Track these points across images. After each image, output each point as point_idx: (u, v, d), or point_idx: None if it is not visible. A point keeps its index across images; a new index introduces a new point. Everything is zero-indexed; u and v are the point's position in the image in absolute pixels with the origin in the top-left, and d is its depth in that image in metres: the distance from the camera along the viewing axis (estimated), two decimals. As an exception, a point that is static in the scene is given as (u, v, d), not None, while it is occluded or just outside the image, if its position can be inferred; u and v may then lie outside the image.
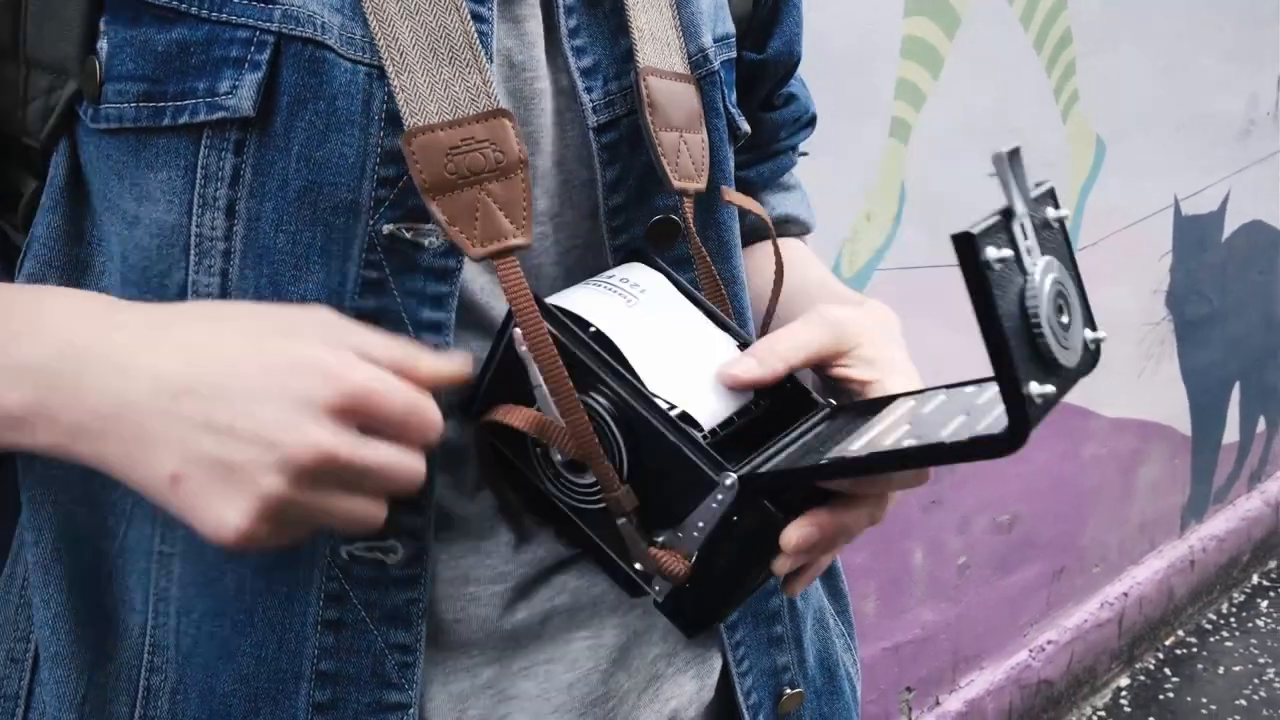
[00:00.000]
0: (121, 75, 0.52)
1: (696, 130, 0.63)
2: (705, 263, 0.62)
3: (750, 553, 0.57)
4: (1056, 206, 0.50)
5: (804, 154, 0.87)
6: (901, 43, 1.66)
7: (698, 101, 0.64)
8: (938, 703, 2.07)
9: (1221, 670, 2.47)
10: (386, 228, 0.54)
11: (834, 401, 0.61)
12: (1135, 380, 2.32)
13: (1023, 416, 0.46)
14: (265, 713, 0.57)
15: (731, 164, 0.67)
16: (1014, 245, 0.47)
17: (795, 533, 0.55)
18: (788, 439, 0.58)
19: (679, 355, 0.59)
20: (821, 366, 0.61)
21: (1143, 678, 2.46)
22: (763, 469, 0.55)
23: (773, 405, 0.60)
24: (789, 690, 0.71)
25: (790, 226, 0.83)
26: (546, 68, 0.60)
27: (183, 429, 0.47)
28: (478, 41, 0.54)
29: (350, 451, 0.48)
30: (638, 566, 0.57)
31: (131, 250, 0.55)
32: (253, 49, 0.52)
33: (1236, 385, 2.65)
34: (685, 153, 0.62)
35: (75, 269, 0.57)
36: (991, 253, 0.45)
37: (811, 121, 0.85)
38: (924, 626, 2.00)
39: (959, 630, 2.07)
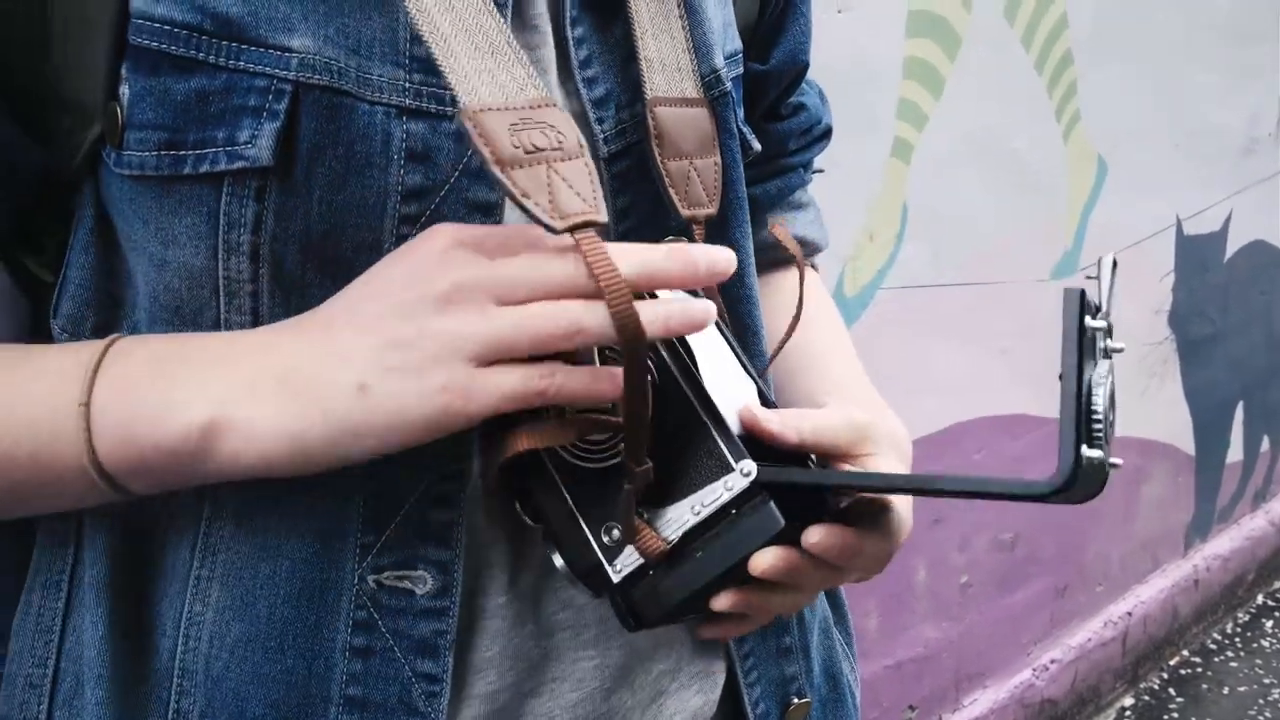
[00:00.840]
0: (142, 124, 0.53)
1: (709, 154, 0.63)
2: (713, 289, 0.63)
3: (726, 558, 0.56)
4: (1112, 338, 0.52)
5: (819, 170, 0.86)
6: (903, 64, 1.67)
7: (711, 125, 0.64)
8: (941, 721, 2.07)
9: (1226, 690, 2.46)
10: None
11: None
12: (1138, 399, 2.32)
13: (1076, 468, 0.48)
14: None
15: (743, 184, 0.67)
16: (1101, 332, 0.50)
17: (771, 556, 0.55)
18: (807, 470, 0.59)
19: (718, 372, 0.59)
20: (829, 458, 0.62)
21: (1147, 697, 2.45)
22: (781, 478, 0.55)
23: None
24: (796, 700, 0.71)
25: (801, 248, 0.82)
26: (560, 92, 0.60)
27: (363, 339, 0.51)
28: (514, 40, 0.54)
29: (482, 271, 0.51)
30: (606, 540, 0.56)
31: (161, 291, 0.55)
32: (270, 98, 0.52)
33: (1240, 405, 2.65)
34: (695, 179, 0.62)
35: (113, 305, 0.57)
36: (1088, 320, 0.49)
37: (826, 134, 0.84)
38: (927, 644, 1.99)
39: (962, 648, 2.06)
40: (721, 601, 0.57)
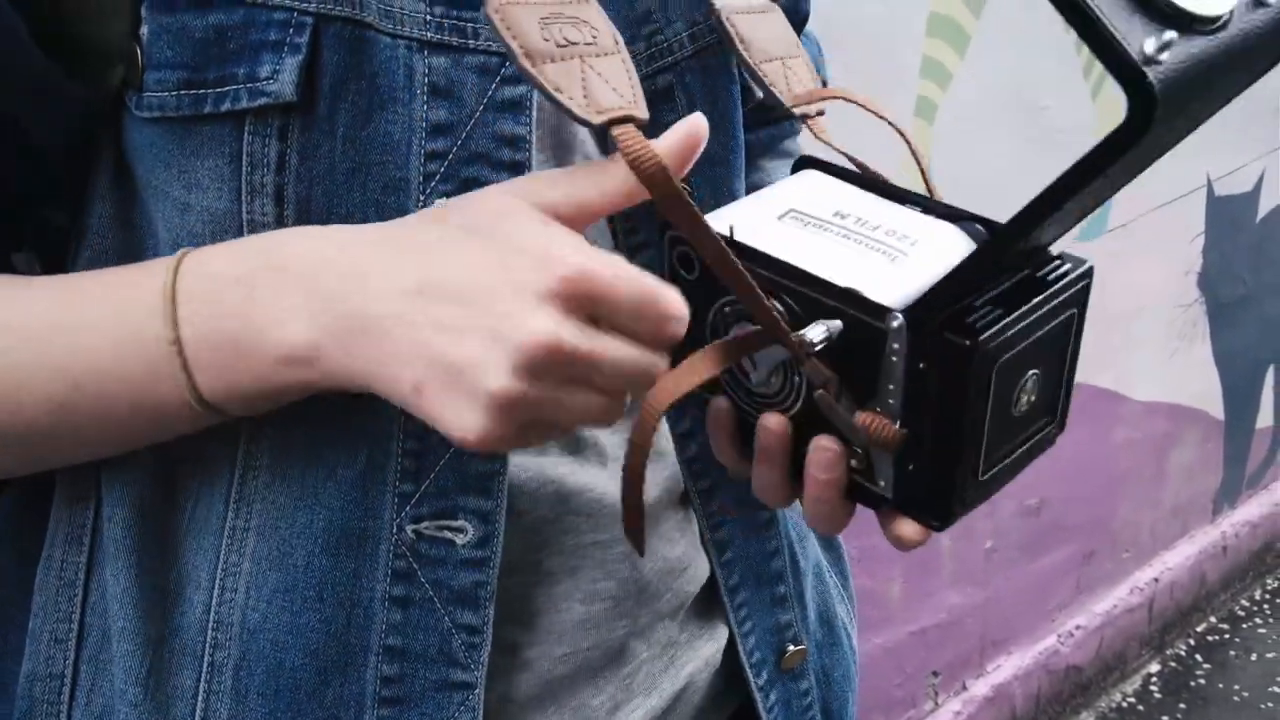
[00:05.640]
0: (161, 63, 0.52)
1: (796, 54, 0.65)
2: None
3: (961, 404, 0.49)
4: None
5: (820, 113, 0.85)
6: (927, 21, 1.64)
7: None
8: (964, 687, 2.06)
9: (1254, 657, 2.44)
10: (438, 202, 0.53)
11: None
12: (1167, 363, 2.29)
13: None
14: (335, 685, 0.57)
15: (742, 127, 0.66)
16: None
17: None
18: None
19: (839, 245, 0.54)
20: None
21: (1173, 664, 2.44)
22: (926, 296, 0.48)
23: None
24: (792, 647, 0.72)
25: None
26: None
27: (419, 334, 0.47)
28: None
29: (574, 341, 0.46)
30: (854, 464, 0.53)
31: (185, 237, 0.54)
32: (291, 31, 0.51)
33: (1270, 369, 2.62)
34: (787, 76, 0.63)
35: (129, 255, 0.56)
36: None
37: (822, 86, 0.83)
38: (951, 610, 1.98)
39: (986, 614, 2.05)
40: None
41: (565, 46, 0.49)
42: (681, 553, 0.67)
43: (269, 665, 0.57)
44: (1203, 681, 2.38)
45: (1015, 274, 0.51)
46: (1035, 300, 0.49)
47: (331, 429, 0.55)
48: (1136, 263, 2.10)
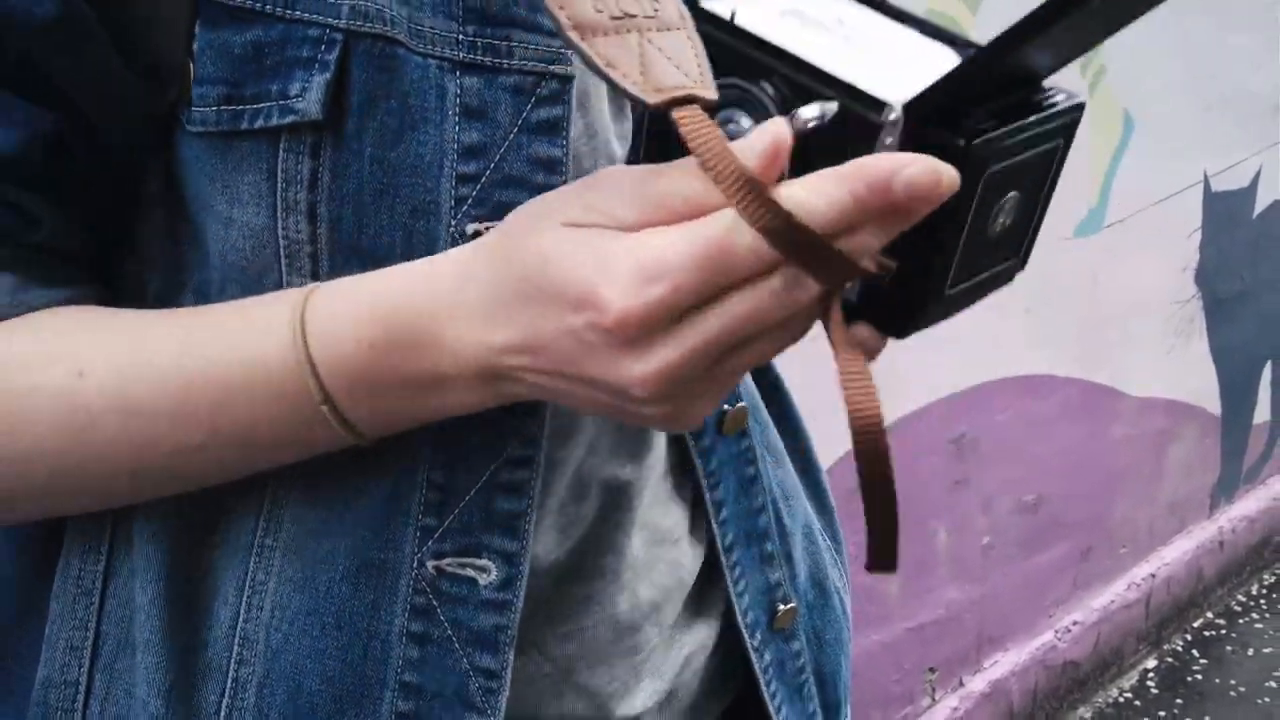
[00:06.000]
0: (205, 79, 0.52)
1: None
2: None
3: (943, 207, 0.47)
4: None
5: None
6: (924, 13, 1.64)
7: None
8: (961, 683, 2.06)
9: (1251, 652, 2.44)
10: (470, 227, 0.52)
11: None
12: (1164, 359, 2.29)
13: None
14: (350, 714, 0.57)
15: None
16: None
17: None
18: None
19: (838, 45, 0.51)
20: None
21: (1170, 660, 2.44)
22: (926, 93, 0.46)
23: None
24: (782, 606, 0.71)
25: None
26: None
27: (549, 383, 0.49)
28: None
29: (675, 284, 0.43)
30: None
31: (229, 250, 0.54)
32: (322, 49, 0.51)
33: (1268, 364, 2.62)
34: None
35: (174, 268, 0.56)
36: None
37: None
38: (948, 607, 1.99)
39: (983, 611, 2.06)
40: None
41: (621, 19, 0.45)
42: (673, 523, 0.67)
43: (289, 687, 0.57)
44: (1199, 677, 2.38)
45: (1008, 96, 0.50)
46: (1029, 119, 0.49)
47: (360, 453, 0.54)
48: (1133, 259, 2.10)
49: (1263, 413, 2.64)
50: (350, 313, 0.51)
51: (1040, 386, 2.00)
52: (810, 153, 0.47)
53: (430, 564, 0.56)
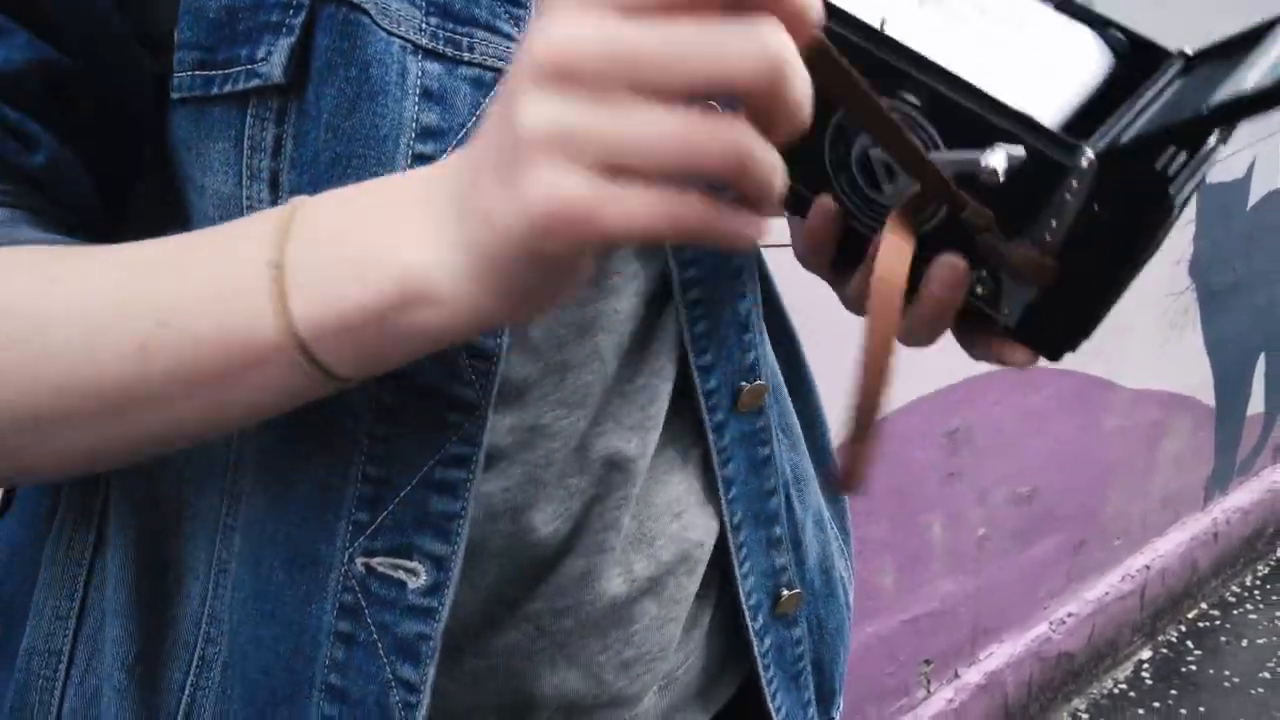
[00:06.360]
0: (183, 43, 0.52)
1: None
2: None
3: (1132, 250, 0.46)
4: None
5: None
6: (919, 9, 1.64)
7: None
8: (957, 675, 2.07)
9: (1245, 643, 2.45)
10: None
11: (1188, 50, 0.51)
12: (1158, 351, 2.29)
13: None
14: (283, 710, 0.56)
15: None
16: None
17: None
18: (1142, 103, 0.47)
19: (999, 53, 0.49)
20: None
21: (1165, 650, 2.45)
22: (1125, 138, 0.44)
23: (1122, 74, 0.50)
24: (786, 592, 0.71)
25: None
26: None
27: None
28: None
29: (591, 39, 0.36)
30: (979, 290, 0.49)
31: (200, 220, 0.54)
32: (290, 13, 0.51)
33: (1262, 356, 2.62)
34: None
35: (158, 230, 0.55)
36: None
37: None
38: (943, 599, 1.99)
39: (978, 603, 2.06)
40: None
41: None
42: (676, 496, 0.66)
43: (242, 670, 0.56)
44: (1194, 668, 2.39)
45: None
46: (1209, 143, 0.48)
47: (303, 439, 0.53)
48: (1128, 251, 2.10)
49: (1256, 404, 2.65)
50: (335, 194, 0.47)
51: (1034, 379, 2.00)
52: (977, 187, 0.46)
53: (360, 561, 0.54)
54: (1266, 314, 2.58)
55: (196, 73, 0.52)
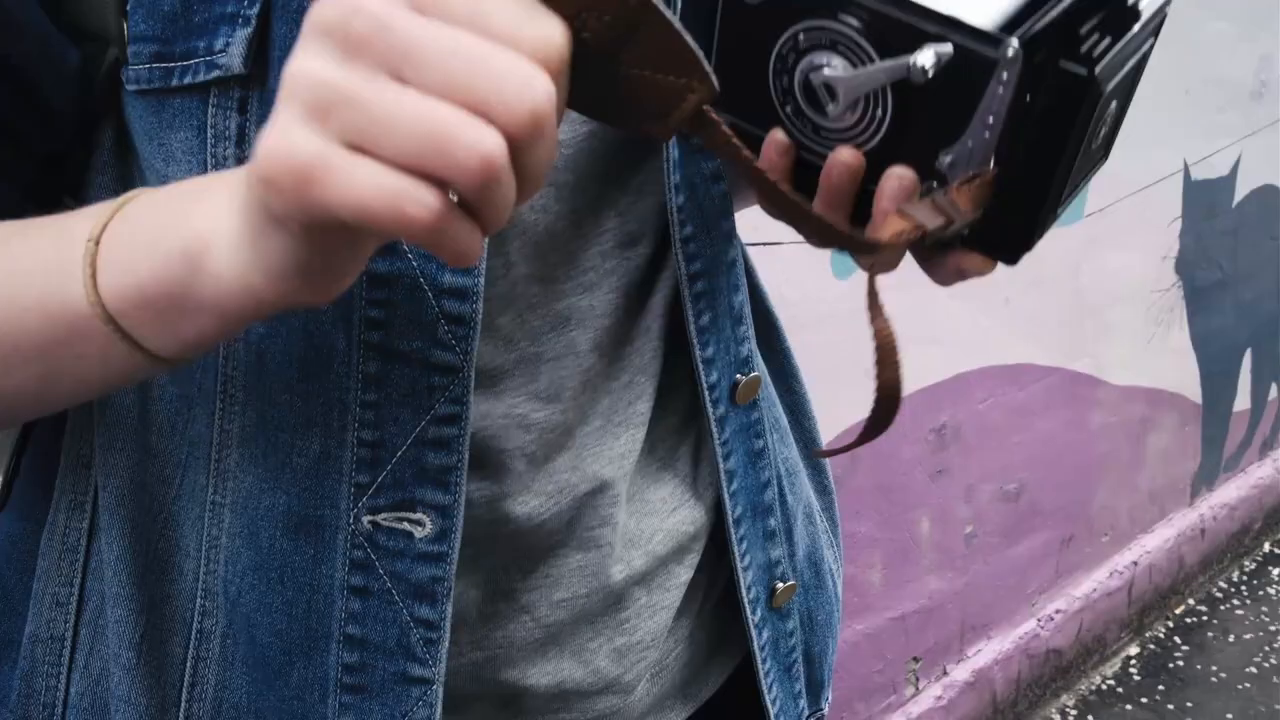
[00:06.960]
0: (137, 36, 0.52)
1: None
2: None
3: (1065, 137, 0.47)
4: None
5: None
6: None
7: None
8: (945, 672, 2.07)
9: (1232, 639, 2.46)
10: None
11: None
12: (1144, 348, 2.30)
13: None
14: (299, 666, 0.58)
15: None
16: None
17: None
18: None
19: None
20: None
21: (1152, 646, 2.45)
22: (1041, 23, 0.44)
23: None
24: (781, 584, 0.72)
25: None
26: None
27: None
28: None
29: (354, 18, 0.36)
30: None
31: None
32: (245, 3, 0.51)
33: (1248, 352, 2.63)
34: None
35: None
36: None
37: None
38: (931, 596, 1.99)
39: (966, 600, 2.06)
40: None
41: None
42: (669, 492, 0.67)
43: (246, 638, 0.58)
44: (1181, 663, 2.39)
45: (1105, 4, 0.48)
46: (1135, 29, 0.47)
47: (289, 415, 0.55)
48: (1113, 248, 2.10)
49: (1243, 401, 2.65)
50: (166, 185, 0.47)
51: (1021, 375, 2.00)
52: (914, 93, 0.46)
53: (366, 519, 0.56)
54: (1252, 310, 2.59)
55: (154, 65, 0.52)
